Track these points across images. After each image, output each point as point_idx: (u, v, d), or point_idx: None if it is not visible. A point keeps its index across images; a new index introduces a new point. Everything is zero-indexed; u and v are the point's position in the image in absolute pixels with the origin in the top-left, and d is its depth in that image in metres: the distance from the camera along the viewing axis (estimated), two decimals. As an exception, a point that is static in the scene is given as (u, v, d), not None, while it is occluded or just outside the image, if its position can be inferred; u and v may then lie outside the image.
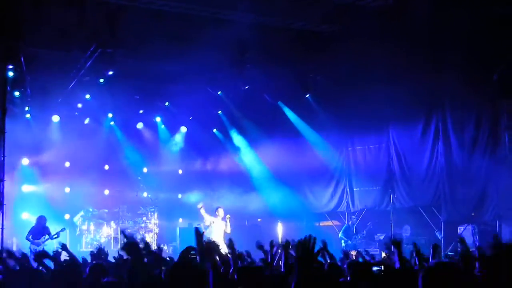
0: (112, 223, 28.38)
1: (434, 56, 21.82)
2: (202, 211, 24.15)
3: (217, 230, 23.87)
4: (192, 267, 6.44)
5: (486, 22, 20.07)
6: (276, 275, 9.22)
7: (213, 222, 24.02)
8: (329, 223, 29.19)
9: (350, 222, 26.13)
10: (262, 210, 29.58)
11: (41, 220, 23.65)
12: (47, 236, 23.10)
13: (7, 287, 9.40)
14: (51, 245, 23.12)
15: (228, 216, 24.15)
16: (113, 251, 24.09)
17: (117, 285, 8.19)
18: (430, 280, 5.63)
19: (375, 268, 9.06)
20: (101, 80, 24.96)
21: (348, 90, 25.28)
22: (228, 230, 23.91)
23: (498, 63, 21.46)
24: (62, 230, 23.60)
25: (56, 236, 23.14)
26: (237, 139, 31.56)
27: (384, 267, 8.89)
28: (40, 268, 10.26)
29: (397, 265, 9.36)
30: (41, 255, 10.75)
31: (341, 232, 25.73)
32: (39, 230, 23.35)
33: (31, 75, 24.11)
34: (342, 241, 25.12)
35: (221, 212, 24.29)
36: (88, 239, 27.87)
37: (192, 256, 8.35)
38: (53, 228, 23.96)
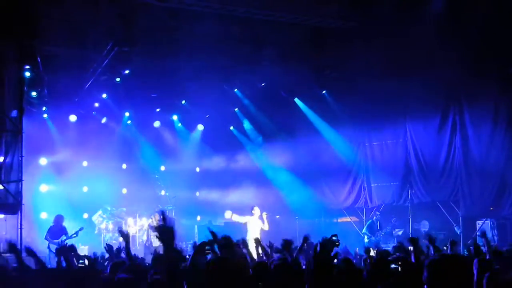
0: (130, 222, 28.42)
1: (450, 49, 21.72)
2: (234, 218, 24.31)
3: (253, 228, 23.98)
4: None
5: (503, 15, 19.95)
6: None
7: (249, 221, 24.15)
8: (347, 219, 29.17)
9: (374, 218, 25.99)
10: (280, 207, 29.57)
11: (59, 219, 23.74)
12: (64, 237, 23.17)
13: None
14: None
15: (265, 213, 24.24)
16: (132, 249, 24.17)
17: (131, 281, 8.19)
18: (434, 272, 5.64)
19: (393, 266, 9.03)
20: (118, 79, 25.03)
21: (364, 85, 25.18)
22: (266, 228, 24.03)
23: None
24: (80, 230, 23.67)
25: (75, 235, 23.23)
26: (254, 136, 31.59)
27: (401, 264, 8.87)
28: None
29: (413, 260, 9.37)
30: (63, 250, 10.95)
31: (365, 227, 25.64)
32: (57, 230, 23.44)
33: (48, 75, 24.22)
34: (366, 236, 25.04)
35: (257, 210, 24.39)
36: (107, 237, 27.89)
37: (207, 252, 8.34)
38: (71, 227, 24.05)
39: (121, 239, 11.89)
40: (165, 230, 6.45)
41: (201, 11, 21.04)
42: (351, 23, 22.68)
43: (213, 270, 6.11)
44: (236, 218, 24.50)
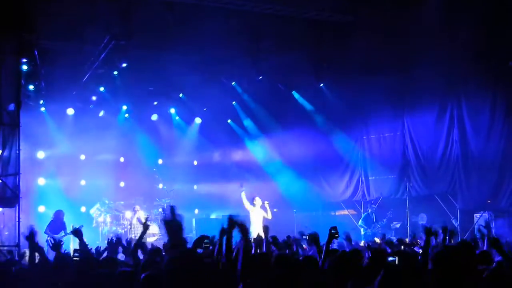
0: (128, 215, 28.41)
1: (448, 42, 21.72)
2: (243, 195, 24.21)
3: (256, 218, 24.08)
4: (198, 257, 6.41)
5: (501, 8, 19.95)
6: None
7: (251, 211, 24.24)
8: (345, 212, 29.18)
9: (369, 210, 25.94)
10: (278, 200, 29.53)
11: (59, 214, 23.70)
12: (63, 233, 23.18)
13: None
14: (67, 240, 23.22)
15: (266, 202, 24.28)
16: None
17: (131, 274, 8.20)
18: (440, 263, 5.65)
19: (390, 258, 9.04)
20: (115, 73, 24.98)
21: (362, 78, 25.20)
22: (269, 216, 24.06)
23: (512, 49, 21.36)
24: (80, 227, 23.66)
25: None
26: (252, 129, 31.57)
27: (398, 257, 8.87)
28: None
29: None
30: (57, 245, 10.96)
31: (360, 220, 25.62)
32: (58, 225, 23.42)
33: (45, 69, 24.21)
34: (362, 229, 25.04)
35: (258, 201, 24.47)
36: (105, 231, 27.92)
37: (206, 245, 8.33)
38: (69, 221, 24.06)
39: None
40: (173, 224, 6.44)
41: (198, 4, 21.03)
42: (348, 16, 22.70)
43: None
44: (244, 197, 24.45)
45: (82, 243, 11.21)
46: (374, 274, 7.97)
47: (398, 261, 8.65)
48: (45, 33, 21.62)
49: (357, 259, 8.89)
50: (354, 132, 28.64)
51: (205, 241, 8.56)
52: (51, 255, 11.06)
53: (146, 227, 11.46)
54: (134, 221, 27.01)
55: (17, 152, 20.00)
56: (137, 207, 27.31)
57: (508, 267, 8.24)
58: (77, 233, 11.75)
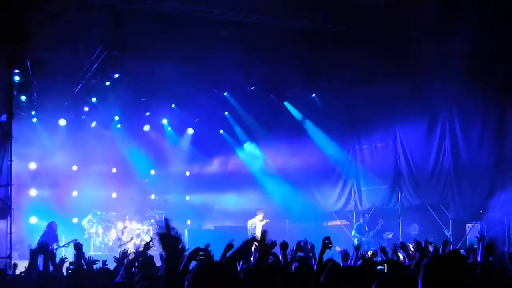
0: (120, 226, 28.35)
1: (440, 54, 21.75)
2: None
3: (258, 231, 24.29)
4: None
5: (491, 19, 20.01)
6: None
7: (253, 224, 24.48)
8: (338, 222, 29.17)
9: (361, 220, 26.01)
10: (270, 211, 29.52)
11: (51, 226, 23.67)
12: (55, 246, 23.15)
13: None
14: (59, 253, 23.17)
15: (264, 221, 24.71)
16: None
17: (126, 285, 8.20)
18: (430, 273, 5.64)
19: (379, 267, 9.04)
20: (107, 83, 24.92)
21: (354, 89, 25.23)
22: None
23: (503, 60, 21.40)
24: (72, 241, 23.70)
25: (66, 245, 23.27)
26: (244, 140, 31.55)
27: (387, 265, 8.87)
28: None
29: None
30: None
31: (354, 229, 25.72)
32: (50, 237, 23.40)
33: (37, 79, 24.14)
34: (356, 239, 25.06)
35: (259, 214, 24.77)
36: (97, 242, 27.85)
37: (201, 258, 8.27)
38: (62, 232, 24.00)
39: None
40: (169, 239, 6.36)
41: (190, 15, 21.05)
42: (340, 26, 22.73)
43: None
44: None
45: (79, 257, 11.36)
46: (365, 282, 8.01)
47: (387, 269, 8.67)
48: (37, 44, 21.61)
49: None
50: (346, 142, 28.69)
51: (200, 253, 8.50)
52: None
53: (147, 247, 11.61)
54: (125, 237, 27.11)
55: (9, 163, 19.99)
56: (126, 223, 27.35)
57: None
58: (77, 247, 11.96)
